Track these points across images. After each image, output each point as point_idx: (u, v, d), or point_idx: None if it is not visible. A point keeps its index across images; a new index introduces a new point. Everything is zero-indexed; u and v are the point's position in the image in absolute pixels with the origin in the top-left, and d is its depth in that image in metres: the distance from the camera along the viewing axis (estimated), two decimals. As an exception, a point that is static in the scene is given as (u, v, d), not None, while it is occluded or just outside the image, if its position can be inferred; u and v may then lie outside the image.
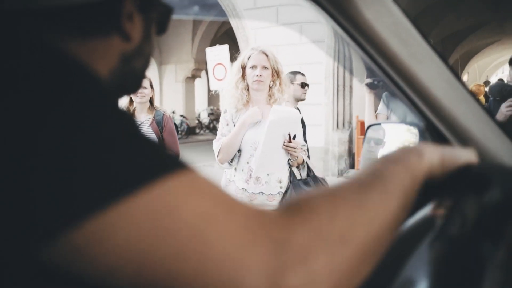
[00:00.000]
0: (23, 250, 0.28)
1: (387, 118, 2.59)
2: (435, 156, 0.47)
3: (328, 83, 6.74)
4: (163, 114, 2.88)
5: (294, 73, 3.29)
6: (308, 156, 2.32)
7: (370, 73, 2.52)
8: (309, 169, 2.17)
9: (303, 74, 3.29)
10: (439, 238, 0.42)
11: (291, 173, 2.08)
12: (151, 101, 2.87)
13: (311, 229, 0.31)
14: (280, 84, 2.10)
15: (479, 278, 0.35)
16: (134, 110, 2.86)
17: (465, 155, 0.49)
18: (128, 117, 0.34)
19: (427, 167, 0.45)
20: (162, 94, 15.07)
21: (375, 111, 2.68)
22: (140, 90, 2.63)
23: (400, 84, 0.69)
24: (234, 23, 7.66)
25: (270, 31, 6.90)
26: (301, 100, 3.27)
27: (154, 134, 2.78)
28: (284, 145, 1.98)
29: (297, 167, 2.13)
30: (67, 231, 0.27)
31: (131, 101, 2.87)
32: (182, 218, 0.28)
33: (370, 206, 0.36)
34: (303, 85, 3.24)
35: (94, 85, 0.35)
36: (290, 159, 2.04)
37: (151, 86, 2.86)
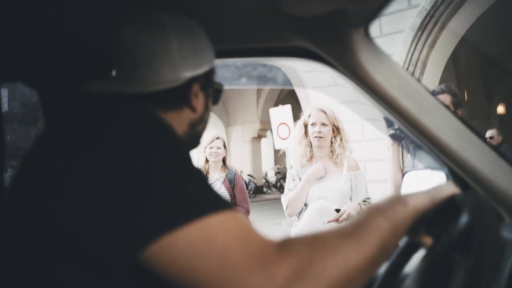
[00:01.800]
0: (127, 253, 0.43)
1: None
2: (421, 200, 0.55)
3: (392, 138, 6.61)
4: (235, 173, 3.05)
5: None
6: None
7: (389, 124, 2.44)
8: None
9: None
10: (427, 255, 0.51)
11: None
12: (224, 160, 3.05)
13: (292, 268, 0.42)
14: (341, 140, 2.22)
15: (448, 282, 0.44)
16: (208, 168, 3.03)
17: (448, 189, 0.57)
18: (196, 168, 0.49)
19: (412, 213, 0.52)
20: (230, 154, 15.67)
21: (400, 163, 2.53)
22: (214, 150, 2.94)
23: (416, 134, 0.79)
24: (296, 86, 8.04)
25: (329, 90, 7.12)
26: None
27: (226, 191, 2.94)
28: (329, 222, 2.04)
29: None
30: (151, 243, 0.42)
31: (206, 160, 3.03)
32: (213, 247, 0.42)
33: (344, 252, 0.45)
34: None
35: (178, 141, 0.51)
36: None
37: (225, 147, 3.04)
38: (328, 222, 2.03)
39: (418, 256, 0.58)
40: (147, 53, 0.61)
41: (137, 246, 0.43)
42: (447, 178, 0.87)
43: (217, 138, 3.03)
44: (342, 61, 0.79)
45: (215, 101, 0.75)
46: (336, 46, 0.79)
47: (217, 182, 2.98)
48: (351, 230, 0.48)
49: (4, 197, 0.69)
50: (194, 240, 0.43)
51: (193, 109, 0.66)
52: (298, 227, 2.10)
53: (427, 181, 0.99)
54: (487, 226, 0.44)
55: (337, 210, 2.07)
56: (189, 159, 0.50)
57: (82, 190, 0.45)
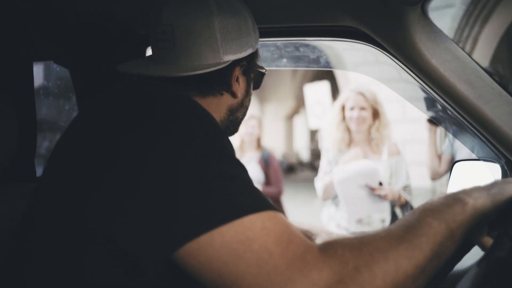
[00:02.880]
0: (162, 250, 0.42)
1: (452, 157, 2.32)
2: (482, 198, 0.49)
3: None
4: (269, 152, 3.05)
5: None
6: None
7: (431, 106, 2.31)
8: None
9: None
10: (485, 259, 0.47)
11: (394, 214, 2.06)
12: (258, 140, 3.03)
13: (335, 274, 0.39)
14: (380, 123, 2.13)
15: None
16: (243, 147, 3.03)
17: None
18: (239, 163, 0.47)
19: (472, 215, 0.47)
20: (263, 132, 15.67)
21: (438, 148, 2.43)
22: (249, 130, 2.93)
23: (472, 123, 0.73)
24: (333, 63, 7.82)
25: (370, 69, 6.88)
26: None
27: (262, 171, 2.93)
28: (374, 193, 1.98)
29: (401, 207, 2.11)
30: (188, 242, 0.41)
31: (240, 139, 3.00)
32: (252, 249, 0.40)
33: (394, 258, 0.41)
34: None
35: (220, 131, 0.48)
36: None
37: (259, 126, 3.01)
38: (366, 185, 1.97)
39: (471, 257, 0.54)
40: (188, 35, 0.57)
41: (173, 245, 0.41)
42: (503, 171, 0.81)
43: (252, 117, 3.00)
44: (395, 43, 0.73)
45: (257, 85, 0.71)
46: (389, 26, 0.73)
47: (252, 162, 2.97)
48: (402, 233, 0.44)
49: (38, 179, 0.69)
50: (231, 241, 0.41)
51: (233, 94, 0.63)
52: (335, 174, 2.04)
53: (479, 173, 0.93)
54: None
55: (380, 184, 2.01)
56: (231, 152, 0.47)
57: (119, 183, 0.43)
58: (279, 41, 0.96)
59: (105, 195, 0.44)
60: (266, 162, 3.00)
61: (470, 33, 6.02)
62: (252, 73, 0.67)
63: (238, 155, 3.02)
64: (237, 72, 0.63)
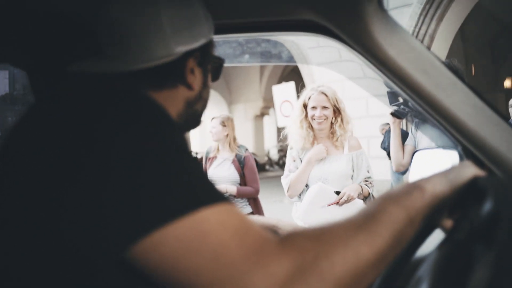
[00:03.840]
0: (113, 250, 0.40)
1: (415, 149, 2.39)
2: (440, 184, 0.50)
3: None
4: (245, 152, 3.02)
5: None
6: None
7: (393, 100, 2.34)
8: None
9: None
10: (446, 242, 0.48)
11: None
12: (233, 139, 3.03)
13: (295, 264, 0.38)
14: (341, 121, 2.17)
15: (469, 275, 0.40)
16: (218, 148, 3.02)
17: (468, 171, 0.53)
18: (191, 156, 0.45)
19: (430, 201, 0.48)
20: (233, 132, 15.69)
21: (401, 141, 2.50)
22: (211, 131, 2.90)
23: (429, 111, 0.75)
24: (299, 63, 7.92)
25: (334, 66, 7.02)
26: None
27: (236, 171, 2.92)
28: (329, 205, 2.02)
29: (364, 200, 2.15)
30: (139, 240, 0.39)
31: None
32: (207, 243, 0.38)
33: (353, 246, 0.41)
34: None
35: (172, 125, 0.47)
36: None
37: (225, 125, 3.00)
38: (328, 205, 2.02)
39: (433, 239, 0.55)
40: (135, 27, 0.55)
41: (124, 243, 0.39)
42: (461, 157, 0.83)
43: (213, 118, 3.02)
44: (353, 35, 0.74)
45: (215, 77, 0.69)
46: (347, 18, 0.74)
47: (226, 162, 2.96)
48: (362, 221, 0.44)
49: None
50: (186, 236, 0.39)
51: (189, 86, 0.61)
52: (299, 213, 2.09)
53: (438, 160, 0.96)
54: None
55: (337, 193, 2.05)
56: (183, 146, 0.45)
57: (67, 181, 0.41)
58: (238, 37, 0.95)
59: (54, 193, 0.41)
60: (241, 162, 2.98)
61: (427, 31, 6.26)
62: (209, 64, 0.65)
63: (213, 154, 3.02)
64: (192, 63, 0.60)
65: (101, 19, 0.56)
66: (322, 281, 0.38)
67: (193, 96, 0.62)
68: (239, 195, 2.89)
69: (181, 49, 0.57)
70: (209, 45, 0.64)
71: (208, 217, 0.40)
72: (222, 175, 2.92)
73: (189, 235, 0.39)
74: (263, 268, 0.38)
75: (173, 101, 0.60)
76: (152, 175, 0.41)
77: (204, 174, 0.45)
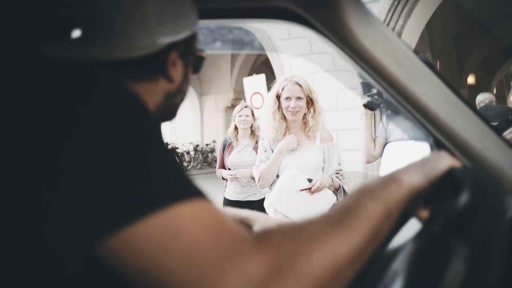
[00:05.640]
0: (81, 244, 0.37)
1: (386, 141, 2.45)
2: (417, 176, 0.49)
3: (366, 108, 6.70)
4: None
5: None
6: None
7: (366, 90, 2.37)
8: (346, 194, 2.20)
9: None
10: (421, 234, 0.47)
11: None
12: (252, 128, 3.19)
13: (270, 264, 0.37)
14: (314, 112, 2.17)
15: (444, 268, 0.40)
16: (237, 135, 3.21)
17: (445, 162, 0.53)
18: (166, 150, 0.43)
19: (407, 193, 0.47)
20: (203, 124, 15.56)
21: (372, 132, 2.49)
22: (243, 118, 3.11)
23: (402, 103, 0.75)
24: (270, 53, 7.91)
25: (305, 59, 7.05)
26: None
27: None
28: (301, 190, 2.02)
29: (334, 192, 2.17)
30: (108, 237, 0.36)
31: (235, 128, 3.21)
32: (180, 241, 0.36)
33: (331, 243, 0.39)
34: None
35: (148, 118, 0.44)
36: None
37: (253, 115, 3.19)
38: (301, 190, 2.02)
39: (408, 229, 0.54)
40: (118, 14, 0.51)
41: (91, 240, 0.36)
42: (432, 149, 0.84)
43: (246, 106, 3.20)
44: (327, 23, 0.72)
45: (196, 70, 0.66)
46: (321, 6, 0.72)
47: (247, 148, 3.15)
48: (338, 216, 0.42)
49: None
50: (157, 233, 0.36)
51: (169, 79, 0.58)
52: (271, 198, 2.09)
53: (410, 152, 0.96)
54: (492, 206, 0.39)
55: (309, 180, 2.06)
56: (158, 139, 0.43)
57: (35, 175, 0.38)
58: (209, 23, 0.91)
59: (23, 188, 0.39)
60: None
61: (395, 27, 6.40)
62: (191, 57, 0.63)
63: (233, 143, 3.17)
64: (174, 56, 0.58)
65: (85, 3, 0.52)
66: (299, 281, 0.37)
67: (173, 89, 0.60)
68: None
69: (164, 40, 0.54)
70: (193, 37, 0.61)
71: (182, 213, 0.38)
72: (245, 159, 3.11)
73: (161, 232, 0.37)
74: (238, 269, 0.36)
75: (152, 93, 0.57)
76: (125, 168, 0.38)
77: (180, 168, 0.42)
